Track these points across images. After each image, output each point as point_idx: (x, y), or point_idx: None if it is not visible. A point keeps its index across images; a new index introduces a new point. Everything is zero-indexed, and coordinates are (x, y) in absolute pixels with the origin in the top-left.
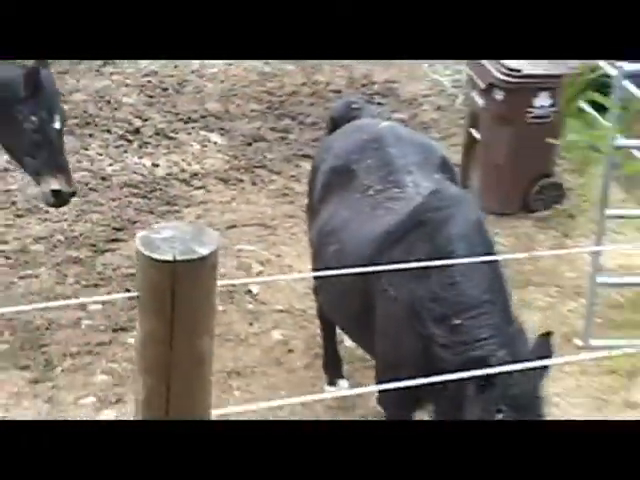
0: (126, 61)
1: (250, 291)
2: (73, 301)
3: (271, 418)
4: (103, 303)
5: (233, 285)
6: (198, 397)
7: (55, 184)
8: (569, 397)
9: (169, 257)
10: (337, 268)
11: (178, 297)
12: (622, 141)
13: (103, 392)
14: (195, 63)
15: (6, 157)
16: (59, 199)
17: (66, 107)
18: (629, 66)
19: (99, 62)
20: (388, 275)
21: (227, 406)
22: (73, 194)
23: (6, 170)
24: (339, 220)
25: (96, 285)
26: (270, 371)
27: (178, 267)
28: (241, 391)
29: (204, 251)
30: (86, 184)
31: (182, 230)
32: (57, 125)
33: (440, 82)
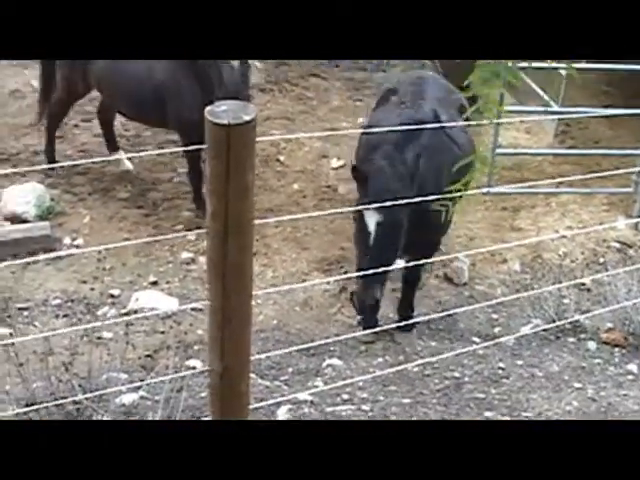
0: None
1: (279, 159)
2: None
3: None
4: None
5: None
6: (245, 212)
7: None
8: (477, 224)
9: (225, 122)
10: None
11: (232, 147)
12: (513, 66)
13: (188, 221)
14: None
15: None
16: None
17: None
18: None
19: None
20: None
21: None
22: None
23: None
24: (378, 117)
25: (182, 156)
26: (291, 209)
27: (231, 128)
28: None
29: (247, 118)
30: None
31: (233, 105)
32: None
33: None
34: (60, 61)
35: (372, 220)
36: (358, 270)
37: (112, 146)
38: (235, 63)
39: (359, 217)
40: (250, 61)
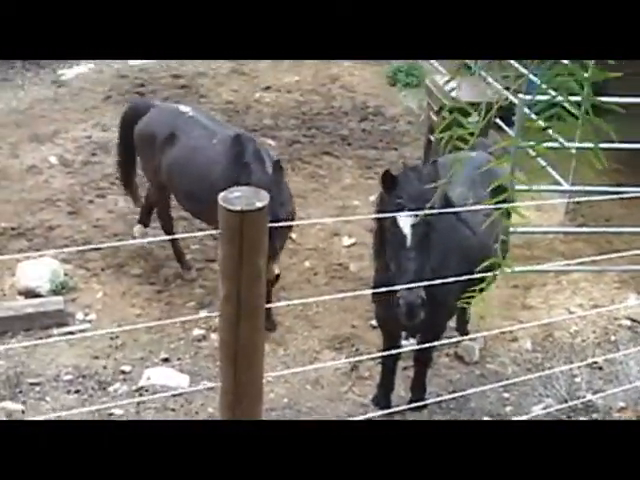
0: (214, 92)
1: (291, 237)
2: (181, 236)
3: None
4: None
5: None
6: (257, 295)
7: (275, 269)
8: (488, 302)
9: (238, 208)
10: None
11: (245, 232)
12: (523, 143)
13: (200, 298)
14: (256, 95)
15: None
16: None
17: None
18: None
19: (200, 94)
20: None
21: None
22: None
23: None
24: None
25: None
26: (303, 286)
27: (244, 214)
28: (286, 299)
29: (260, 204)
30: None
31: (246, 192)
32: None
33: (410, 107)
34: (141, 162)
35: (407, 222)
36: (389, 281)
37: (145, 221)
38: (269, 168)
39: (392, 222)
40: (263, 138)
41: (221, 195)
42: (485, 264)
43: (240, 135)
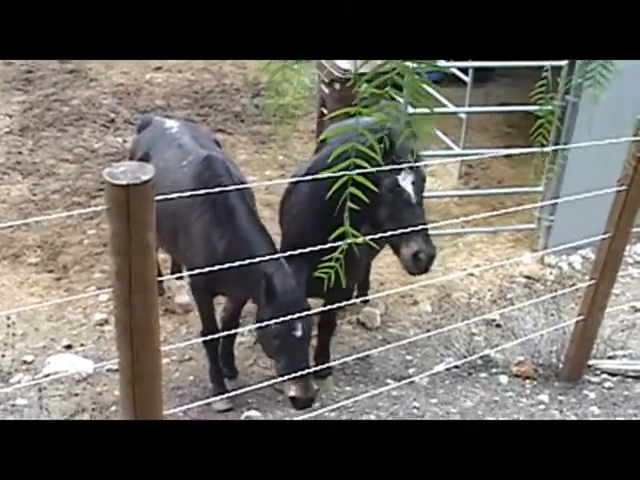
0: (104, 75)
1: None
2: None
3: None
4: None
5: None
6: (149, 269)
7: (291, 391)
8: (387, 268)
9: (124, 182)
10: None
11: (131, 206)
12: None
13: (100, 283)
14: (147, 76)
15: None
16: (296, 404)
17: (66, 108)
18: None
19: (90, 78)
20: None
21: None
22: (310, 400)
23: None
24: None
25: (92, 218)
26: None
27: (130, 188)
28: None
29: (145, 178)
30: (84, 157)
31: (131, 166)
32: (298, 334)
33: (302, 80)
34: None
35: (408, 181)
36: None
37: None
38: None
39: (391, 184)
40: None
41: (106, 170)
42: (337, 233)
43: (209, 157)
